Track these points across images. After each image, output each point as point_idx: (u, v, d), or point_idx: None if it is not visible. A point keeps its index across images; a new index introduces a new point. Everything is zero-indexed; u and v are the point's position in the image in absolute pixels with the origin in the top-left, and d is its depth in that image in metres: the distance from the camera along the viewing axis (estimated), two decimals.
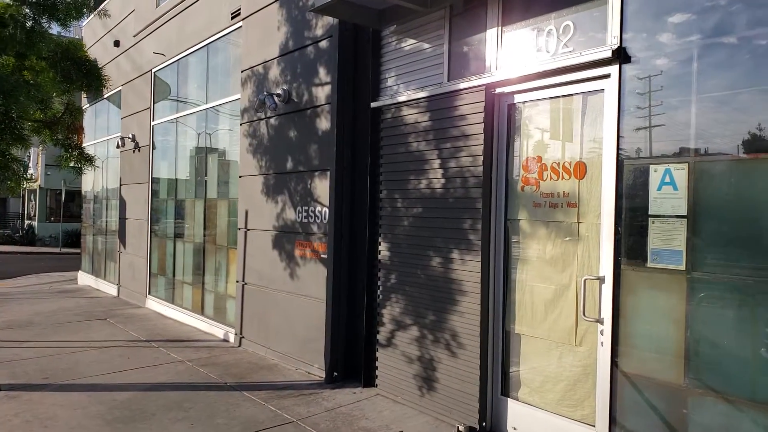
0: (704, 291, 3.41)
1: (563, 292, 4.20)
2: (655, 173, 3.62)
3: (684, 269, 3.47)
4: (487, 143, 4.59)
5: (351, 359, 5.99)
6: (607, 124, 3.87)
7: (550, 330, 4.29)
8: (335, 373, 5.93)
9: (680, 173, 3.50)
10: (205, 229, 8.87)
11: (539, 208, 4.37)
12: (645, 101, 3.72)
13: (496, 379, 4.64)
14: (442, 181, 4.93)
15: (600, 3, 3.93)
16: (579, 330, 4.10)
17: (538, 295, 4.39)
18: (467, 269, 4.69)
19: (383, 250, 5.55)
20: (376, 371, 5.63)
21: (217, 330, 8.13)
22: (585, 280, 3.96)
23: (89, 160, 8.06)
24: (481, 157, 4.59)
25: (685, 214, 3.47)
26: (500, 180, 4.60)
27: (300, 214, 6.48)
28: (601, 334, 3.88)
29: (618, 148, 3.78)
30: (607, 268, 3.85)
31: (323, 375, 5.98)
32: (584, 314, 3.95)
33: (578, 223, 4.11)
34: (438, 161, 4.97)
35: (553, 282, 4.27)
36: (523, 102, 4.51)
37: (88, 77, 7.58)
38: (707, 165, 3.41)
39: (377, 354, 5.62)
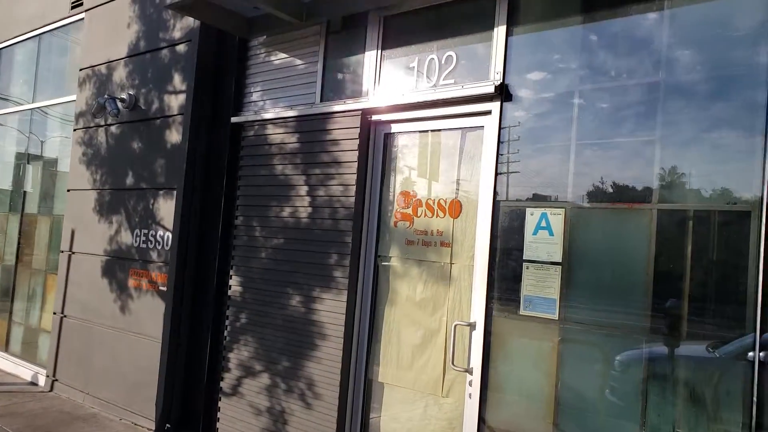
0: (575, 342, 3.29)
1: (432, 338, 3.90)
2: (532, 217, 3.49)
3: (557, 318, 3.33)
4: (360, 173, 4.23)
5: (189, 409, 5.18)
6: (485, 162, 3.70)
7: (416, 379, 3.95)
8: (168, 425, 5.10)
9: (556, 218, 3.39)
10: (18, 249, 7.52)
11: (412, 245, 4.07)
12: (520, 144, 3.60)
13: None
14: (309, 210, 4.46)
15: (485, 38, 3.79)
16: (446, 380, 3.80)
17: (405, 340, 4.05)
18: (330, 310, 4.23)
19: (235, 284, 4.92)
20: (218, 423, 4.91)
21: (24, 371, 6.80)
22: (455, 326, 3.70)
23: None
24: (354, 187, 4.21)
25: (560, 260, 3.35)
26: (373, 213, 4.25)
27: (138, 238, 5.61)
28: (470, 385, 3.62)
29: (495, 188, 3.62)
30: (478, 314, 3.62)
31: (153, 427, 5.12)
32: (453, 363, 3.67)
33: (451, 264, 3.86)
34: (305, 188, 4.51)
35: (422, 326, 3.96)
36: (401, 132, 4.23)
37: None
38: (582, 212, 3.34)
39: (220, 404, 4.91)
